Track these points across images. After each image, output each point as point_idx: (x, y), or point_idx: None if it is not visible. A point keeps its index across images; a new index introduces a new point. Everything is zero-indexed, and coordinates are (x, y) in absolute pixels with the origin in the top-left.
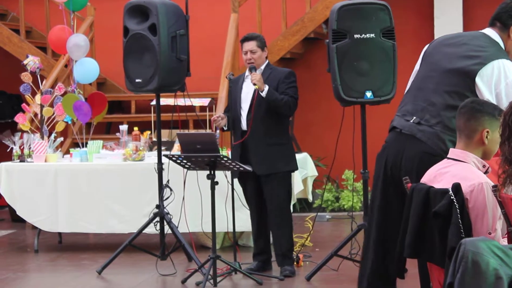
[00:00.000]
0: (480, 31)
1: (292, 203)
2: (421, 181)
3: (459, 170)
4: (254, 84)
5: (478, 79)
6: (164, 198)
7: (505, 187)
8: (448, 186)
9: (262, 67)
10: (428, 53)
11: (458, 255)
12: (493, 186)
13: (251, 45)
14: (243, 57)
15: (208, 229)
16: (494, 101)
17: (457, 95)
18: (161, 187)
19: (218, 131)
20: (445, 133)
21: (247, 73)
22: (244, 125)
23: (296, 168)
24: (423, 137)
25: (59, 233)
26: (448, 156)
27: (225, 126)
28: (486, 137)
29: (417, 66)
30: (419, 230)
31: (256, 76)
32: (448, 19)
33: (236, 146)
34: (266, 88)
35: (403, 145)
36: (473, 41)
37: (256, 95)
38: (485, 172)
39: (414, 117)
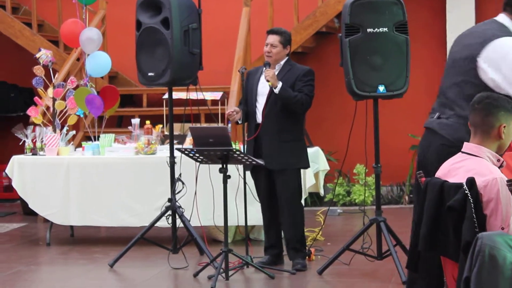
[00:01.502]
0: (493, 18)
1: (303, 197)
2: (435, 175)
3: (473, 165)
4: (268, 81)
5: (480, 62)
6: (176, 192)
7: None
8: (462, 181)
9: (282, 62)
10: (450, 51)
11: (475, 250)
12: (507, 181)
13: (273, 38)
14: (264, 48)
15: (220, 222)
16: (501, 82)
17: (466, 83)
18: (173, 180)
19: (230, 124)
20: (460, 123)
21: None
22: (259, 118)
23: (308, 166)
24: (440, 130)
25: (71, 226)
26: (462, 150)
27: (239, 120)
28: (503, 132)
29: None
30: (433, 224)
31: (269, 72)
32: (460, 13)
33: (250, 141)
34: (280, 84)
35: (428, 140)
36: (480, 27)
37: (271, 92)
38: (500, 166)
39: (437, 113)
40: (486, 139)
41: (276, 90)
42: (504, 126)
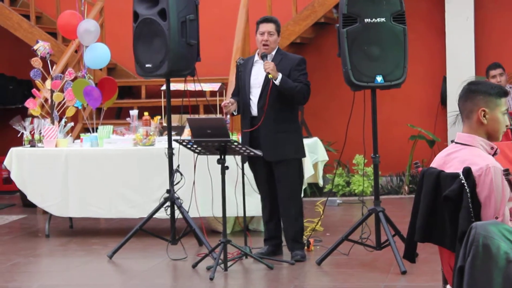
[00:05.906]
0: None
1: (303, 187)
2: (431, 166)
3: (467, 155)
4: (268, 73)
5: None
6: (174, 183)
7: None
8: (457, 171)
9: (273, 52)
10: None
11: (469, 239)
12: (504, 170)
13: (270, 27)
14: (258, 38)
15: (219, 213)
16: None
17: None
18: (172, 172)
19: (228, 116)
20: None
21: (256, 57)
22: (254, 111)
23: (304, 156)
24: None
25: (70, 218)
26: (455, 140)
27: (235, 111)
28: (484, 116)
29: None
30: (429, 215)
31: (269, 64)
32: (459, 3)
33: (246, 132)
34: (280, 76)
35: None
36: None
37: (271, 84)
38: (494, 154)
39: None
40: (471, 125)
41: (277, 82)
42: (484, 110)
